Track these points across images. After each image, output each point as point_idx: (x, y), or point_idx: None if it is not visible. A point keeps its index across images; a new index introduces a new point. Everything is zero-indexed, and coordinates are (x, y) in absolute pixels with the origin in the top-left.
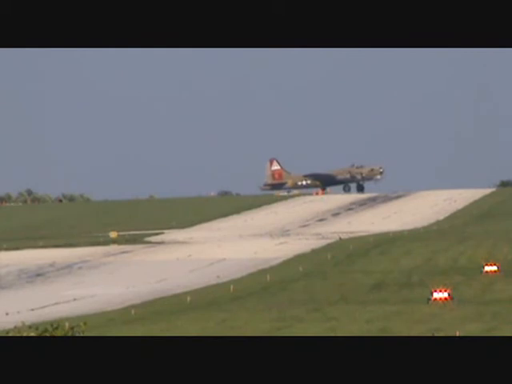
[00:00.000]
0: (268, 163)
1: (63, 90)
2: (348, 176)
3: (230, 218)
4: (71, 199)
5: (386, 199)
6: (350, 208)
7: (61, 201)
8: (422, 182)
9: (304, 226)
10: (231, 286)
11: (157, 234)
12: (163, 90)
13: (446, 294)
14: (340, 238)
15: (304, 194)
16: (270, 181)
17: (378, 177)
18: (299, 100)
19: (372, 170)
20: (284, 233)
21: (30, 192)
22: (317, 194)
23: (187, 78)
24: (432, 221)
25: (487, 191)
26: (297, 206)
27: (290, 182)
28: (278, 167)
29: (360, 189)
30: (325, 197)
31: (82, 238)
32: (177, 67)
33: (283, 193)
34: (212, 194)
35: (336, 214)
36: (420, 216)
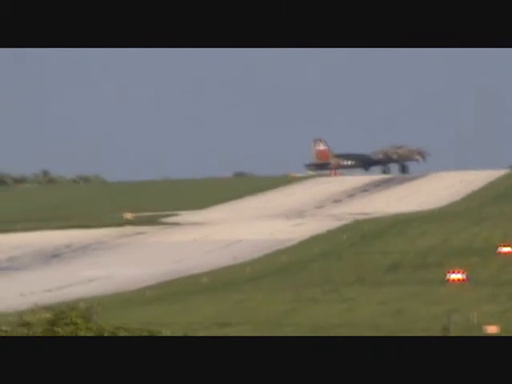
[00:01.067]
0: (312, 143)
1: (75, 75)
2: (381, 156)
3: (246, 199)
4: (86, 180)
5: (402, 180)
6: (365, 189)
7: (76, 182)
8: (438, 163)
9: (319, 207)
10: (247, 267)
11: (172, 215)
12: (175, 76)
13: (461, 275)
14: (356, 220)
15: (320, 176)
16: (314, 160)
17: (417, 157)
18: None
19: (409, 150)
20: (299, 214)
21: (45, 173)
22: (333, 174)
23: (205, 63)
24: (448, 202)
25: (502, 172)
26: (312, 188)
27: (333, 162)
28: (323, 147)
29: (403, 170)
30: (340, 178)
31: (98, 219)
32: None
33: (303, 174)
34: (227, 174)
35: (351, 195)
36: (436, 197)
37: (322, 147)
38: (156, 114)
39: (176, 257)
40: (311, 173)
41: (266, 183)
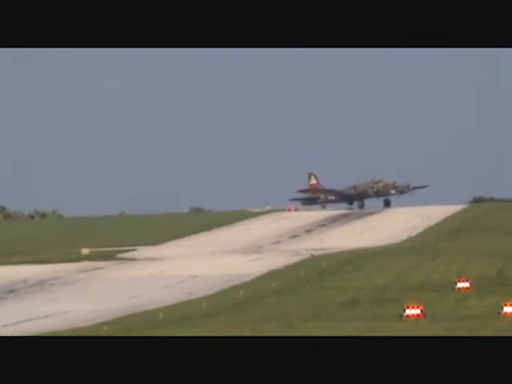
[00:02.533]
0: (307, 177)
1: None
2: (353, 192)
3: (203, 234)
4: (43, 215)
5: (359, 215)
6: (322, 224)
7: (33, 217)
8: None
9: (276, 242)
10: (203, 303)
11: (129, 250)
12: (132, 105)
13: (418, 311)
14: (311, 255)
15: (276, 211)
16: (307, 195)
17: (393, 191)
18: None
19: (386, 185)
20: (256, 249)
21: (2, 208)
22: (289, 210)
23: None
24: (404, 237)
25: (459, 207)
26: (270, 223)
27: (323, 197)
28: (314, 181)
29: (387, 204)
30: (297, 213)
31: (55, 254)
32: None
33: (256, 209)
34: (184, 210)
35: (309, 231)
36: (392, 232)
37: (313, 181)
38: (116, 148)
39: (132, 292)
40: (268, 208)
41: (223, 218)
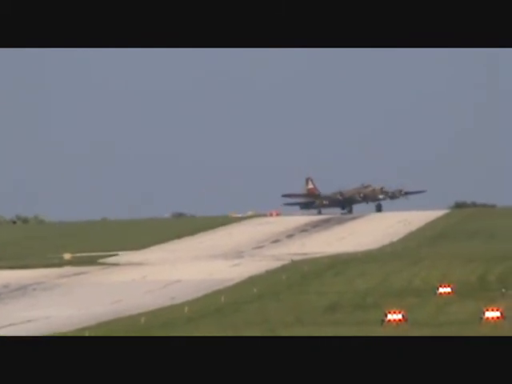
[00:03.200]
0: (305, 181)
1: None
2: (339, 197)
3: (185, 239)
4: (25, 221)
5: (341, 221)
6: (303, 229)
7: (15, 222)
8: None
9: (258, 247)
10: (186, 308)
11: (111, 255)
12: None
13: (400, 316)
14: (292, 260)
15: (258, 216)
16: (304, 199)
17: (381, 196)
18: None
19: (373, 190)
20: (238, 254)
21: None
22: (271, 214)
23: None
24: (386, 242)
25: (441, 213)
26: (251, 228)
27: (318, 201)
28: (311, 186)
29: (378, 209)
30: (279, 218)
31: (37, 259)
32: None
33: (239, 214)
34: (166, 215)
35: (290, 236)
36: (374, 238)
37: (310, 186)
38: (98, 153)
39: (115, 297)
40: (250, 213)
41: (205, 223)
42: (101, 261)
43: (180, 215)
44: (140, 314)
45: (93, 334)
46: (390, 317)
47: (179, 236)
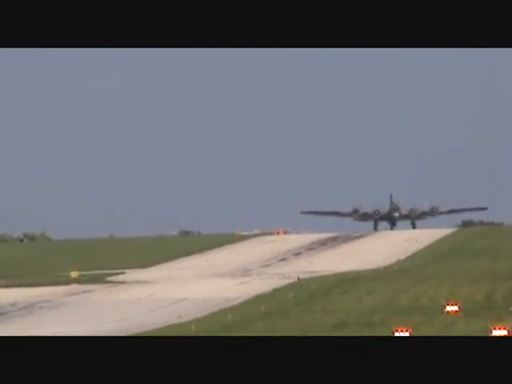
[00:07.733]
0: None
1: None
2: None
3: (192, 257)
4: (32, 238)
5: (347, 239)
6: (311, 248)
7: (22, 240)
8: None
9: (265, 265)
10: (192, 326)
11: (118, 273)
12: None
13: (407, 334)
14: (298, 279)
15: (265, 234)
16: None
17: (396, 215)
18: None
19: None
20: (245, 272)
21: None
22: (278, 233)
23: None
24: (393, 260)
25: (448, 231)
26: (258, 246)
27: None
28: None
29: (413, 226)
30: (286, 236)
31: (44, 277)
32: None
33: (245, 232)
34: (173, 233)
35: (297, 254)
36: (381, 256)
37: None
38: (104, 170)
39: (121, 315)
40: (257, 231)
41: (212, 241)
42: (108, 279)
43: (187, 233)
44: (146, 333)
45: None
46: (397, 335)
47: (186, 254)
